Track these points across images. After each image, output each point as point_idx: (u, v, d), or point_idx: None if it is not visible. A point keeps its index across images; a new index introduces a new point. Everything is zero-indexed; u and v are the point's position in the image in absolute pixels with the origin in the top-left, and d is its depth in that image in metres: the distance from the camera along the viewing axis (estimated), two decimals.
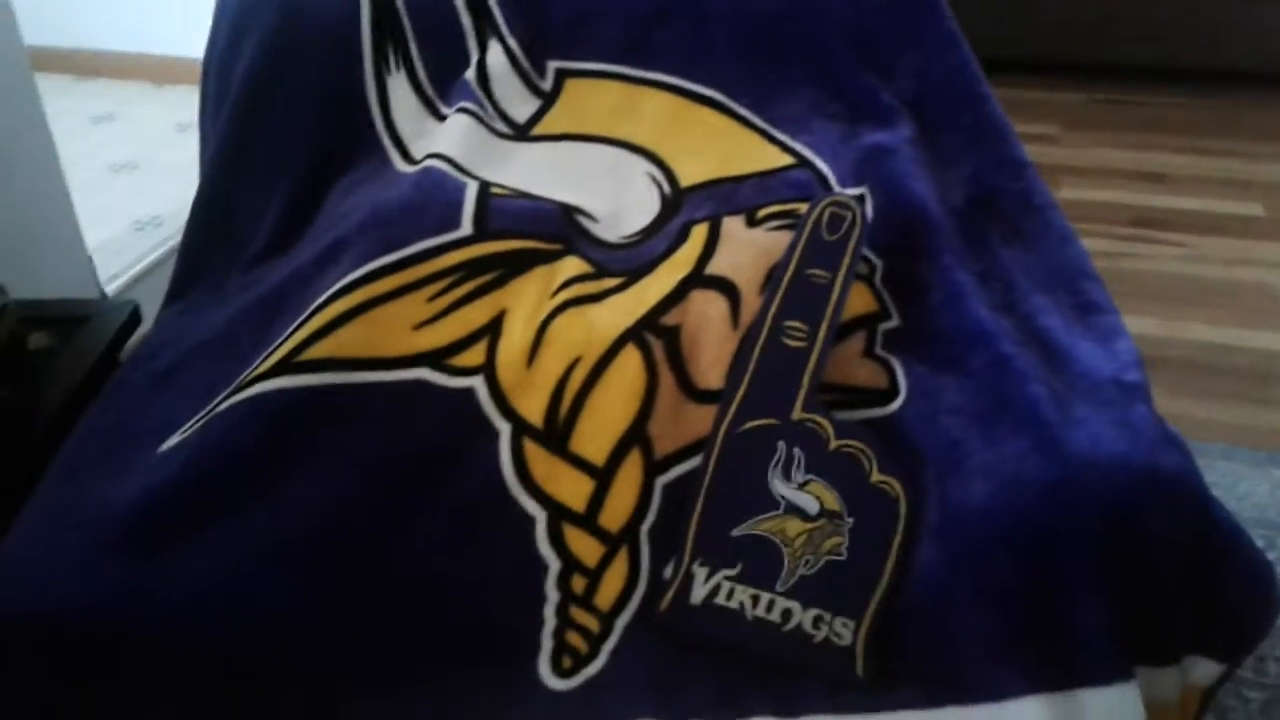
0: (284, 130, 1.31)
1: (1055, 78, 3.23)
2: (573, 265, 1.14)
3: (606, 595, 0.99)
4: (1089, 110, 3.17)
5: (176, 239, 1.39)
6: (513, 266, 1.12)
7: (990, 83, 1.37)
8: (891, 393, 1.08)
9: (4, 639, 0.91)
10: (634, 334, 1.07)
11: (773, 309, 1.07)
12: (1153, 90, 3.19)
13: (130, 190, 2.45)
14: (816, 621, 0.96)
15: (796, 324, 1.06)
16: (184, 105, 2.31)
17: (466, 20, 1.35)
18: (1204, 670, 0.97)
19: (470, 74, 1.31)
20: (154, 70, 3.02)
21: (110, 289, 1.96)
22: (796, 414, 1.03)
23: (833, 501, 1.00)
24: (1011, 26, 3.18)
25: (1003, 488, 0.96)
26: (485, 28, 1.34)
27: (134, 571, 0.93)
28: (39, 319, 1.25)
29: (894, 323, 1.14)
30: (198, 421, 1.02)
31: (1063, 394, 1.02)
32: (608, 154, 1.29)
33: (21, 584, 0.93)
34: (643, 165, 1.28)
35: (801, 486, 1.01)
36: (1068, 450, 0.95)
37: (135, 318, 1.27)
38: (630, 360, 1.06)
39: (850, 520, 0.99)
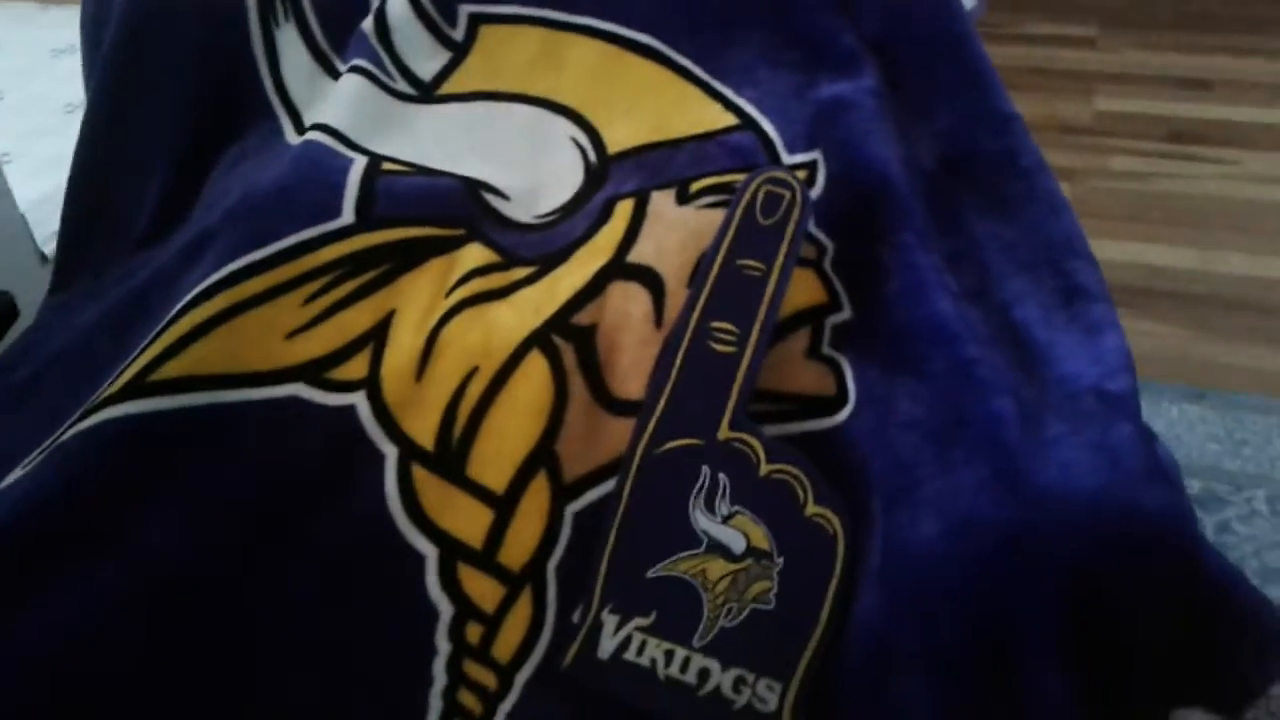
0: (161, 91, 1.15)
1: None
2: (475, 254, 0.99)
3: (506, 645, 0.86)
4: (1132, 6, 2.90)
5: None
6: (403, 259, 0.97)
7: None
8: (839, 400, 0.93)
9: None
10: (541, 337, 0.92)
11: (697, 309, 0.92)
12: None
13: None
14: (738, 684, 0.83)
15: (725, 325, 0.91)
16: None
17: None
18: None
19: (368, 24, 1.13)
20: None
21: (49, 250, 1.83)
22: (723, 432, 0.89)
23: (761, 538, 0.86)
24: None
25: (955, 529, 0.81)
26: None
27: None
28: None
29: (845, 315, 0.97)
30: (40, 453, 0.90)
31: (1034, 407, 0.87)
32: (526, 115, 1.12)
33: None
34: (565, 128, 1.11)
35: (726, 520, 0.87)
36: (1031, 482, 0.80)
37: (12, 311, 1.13)
38: (535, 369, 0.91)
39: (780, 561, 0.85)
